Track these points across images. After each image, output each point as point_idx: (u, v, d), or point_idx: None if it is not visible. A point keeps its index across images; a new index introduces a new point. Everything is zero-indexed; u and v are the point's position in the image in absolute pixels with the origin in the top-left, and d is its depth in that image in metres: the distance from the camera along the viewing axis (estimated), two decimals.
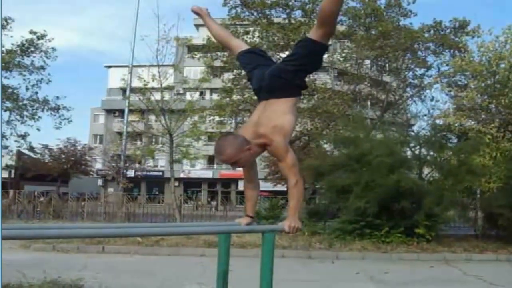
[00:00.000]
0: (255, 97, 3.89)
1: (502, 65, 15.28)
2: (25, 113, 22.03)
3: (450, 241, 12.92)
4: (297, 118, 3.54)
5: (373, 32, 19.05)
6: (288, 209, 3.44)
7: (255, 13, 19.37)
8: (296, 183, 3.30)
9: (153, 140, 27.12)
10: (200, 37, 26.77)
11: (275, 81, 3.40)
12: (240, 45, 3.87)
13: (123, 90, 34.31)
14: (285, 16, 19.54)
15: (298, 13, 19.49)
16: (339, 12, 3.75)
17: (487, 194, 13.76)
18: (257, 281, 3.16)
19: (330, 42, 20.60)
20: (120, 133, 35.63)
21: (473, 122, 15.74)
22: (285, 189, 24.29)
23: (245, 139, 3.26)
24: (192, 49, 26.21)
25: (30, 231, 2.97)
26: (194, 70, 36.52)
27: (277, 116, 3.33)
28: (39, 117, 22.43)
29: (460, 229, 15.57)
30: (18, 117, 22.00)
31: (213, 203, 38.72)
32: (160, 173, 49.07)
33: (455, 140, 16.15)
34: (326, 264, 10.55)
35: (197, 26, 50.19)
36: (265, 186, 30.51)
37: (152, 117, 24.58)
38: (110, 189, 35.95)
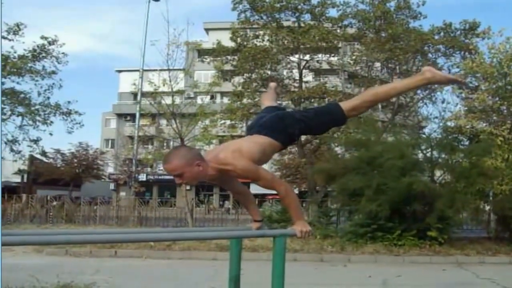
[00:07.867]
0: None
1: None
2: (37, 118, 22.16)
3: (462, 243, 12.82)
4: (263, 157, 3.24)
5: (383, 35, 19.01)
6: (292, 217, 3.31)
7: (264, 17, 19.48)
8: (285, 191, 3.19)
9: (165, 144, 27.22)
10: (210, 41, 26.87)
11: (274, 120, 3.35)
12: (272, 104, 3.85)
13: (134, 95, 34.49)
14: (294, 19, 19.64)
15: (307, 16, 19.58)
16: None
17: (500, 196, 13.64)
18: (269, 285, 3.18)
19: (340, 45, 20.64)
20: (131, 137, 35.76)
21: (484, 124, 15.62)
22: (297, 192, 24.30)
23: (200, 155, 3.09)
24: (202, 53, 26.37)
25: (41, 237, 3.11)
26: (205, 74, 36.65)
27: (241, 142, 3.22)
28: (51, 121, 22.55)
29: (473, 232, 15.45)
30: (30, 122, 22.15)
31: (227, 203, 38.42)
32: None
33: (467, 142, 16.02)
34: (338, 268, 10.54)
35: (207, 30, 50.48)
36: None
37: (163, 121, 24.69)
38: (122, 193, 36.07)
